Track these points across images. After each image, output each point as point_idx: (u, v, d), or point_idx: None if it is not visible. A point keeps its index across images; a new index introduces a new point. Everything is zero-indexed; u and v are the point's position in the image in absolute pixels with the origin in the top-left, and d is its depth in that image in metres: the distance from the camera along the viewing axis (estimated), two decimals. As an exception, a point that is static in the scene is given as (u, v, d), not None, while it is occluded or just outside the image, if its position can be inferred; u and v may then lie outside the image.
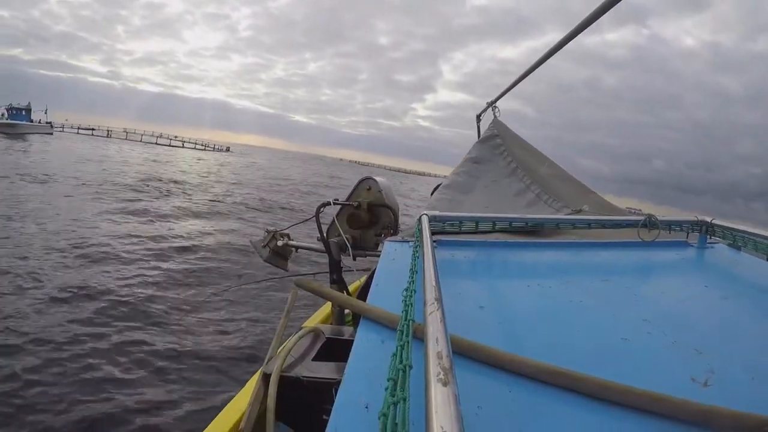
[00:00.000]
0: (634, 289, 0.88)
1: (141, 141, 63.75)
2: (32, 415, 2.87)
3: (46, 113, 53.21)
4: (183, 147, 68.24)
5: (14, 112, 45.31)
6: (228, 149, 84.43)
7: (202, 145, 75.80)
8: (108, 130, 67.91)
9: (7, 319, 4.02)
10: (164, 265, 6.22)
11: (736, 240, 1.11)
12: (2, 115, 44.58)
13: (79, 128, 65.08)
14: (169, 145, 66.21)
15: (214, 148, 77.44)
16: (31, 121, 47.36)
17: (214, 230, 9.15)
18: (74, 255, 6.06)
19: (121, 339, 3.96)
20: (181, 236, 8.16)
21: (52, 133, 47.21)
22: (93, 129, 66.85)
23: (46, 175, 13.50)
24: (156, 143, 65.22)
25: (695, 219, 1.20)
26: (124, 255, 6.31)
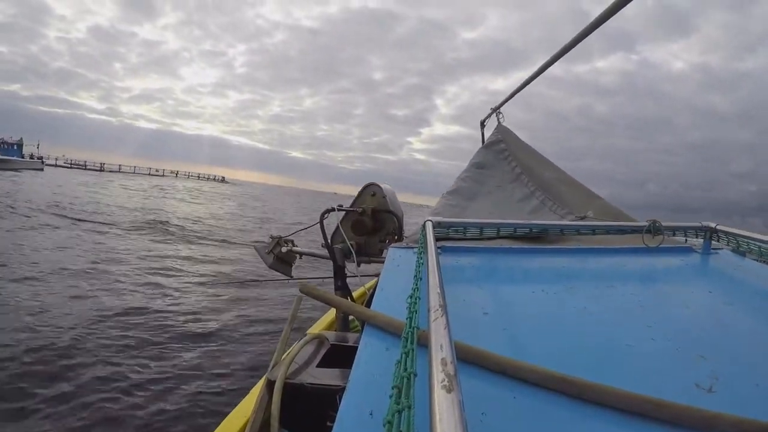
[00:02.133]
0: (639, 295, 0.87)
1: (134, 173, 63.84)
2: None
3: (38, 148, 53.19)
4: (177, 177, 68.40)
5: (5, 146, 45.13)
6: (223, 179, 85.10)
7: (196, 175, 76.34)
8: (101, 164, 68.24)
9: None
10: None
11: (741, 246, 1.10)
12: None
13: (71, 163, 65.12)
14: (162, 176, 66.28)
15: (208, 178, 77.95)
16: (23, 157, 47.15)
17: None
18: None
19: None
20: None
21: (42, 169, 46.86)
22: (85, 162, 66.83)
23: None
24: (150, 174, 65.33)
25: (699, 224, 1.19)
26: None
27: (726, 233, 1.13)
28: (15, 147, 45.88)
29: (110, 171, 62.75)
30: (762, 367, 0.60)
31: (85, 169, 62.72)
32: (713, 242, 1.17)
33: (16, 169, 39.91)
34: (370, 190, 1.73)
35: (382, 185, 1.74)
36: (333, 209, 1.68)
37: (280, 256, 1.84)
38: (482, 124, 2.34)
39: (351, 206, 1.72)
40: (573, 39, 1.21)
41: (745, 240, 1.08)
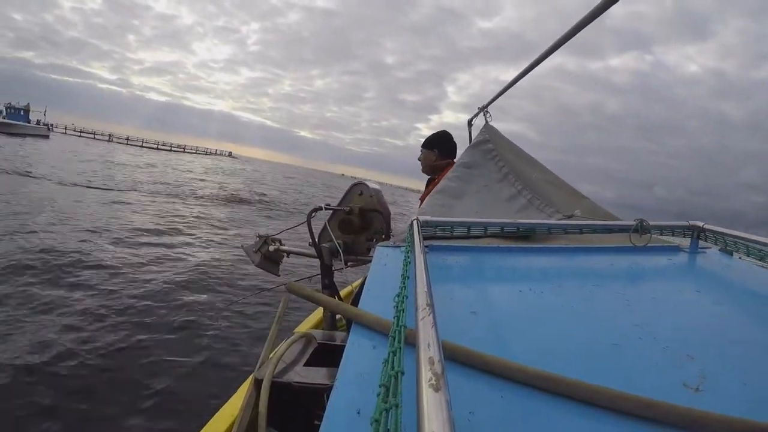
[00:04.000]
0: (626, 294, 0.86)
1: (141, 146, 64.19)
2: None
3: (45, 114, 53.23)
4: (184, 152, 68.80)
5: (12, 111, 45.26)
6: (230, 154, 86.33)
7: (203, 150, 77.04)
8: (110, 135, 68.68)
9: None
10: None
11: (728, 245, 1.11)
12: (0, 113, 44.60)
13: (81, 132, 65.63)
14: (170, 150, 66.59)
15: (216, 153, 79.05)
16: (29, 122, 47.25)
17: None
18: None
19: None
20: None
21: (48, 137, 46.93)
22: (94, 133, 67.15)
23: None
24: (157, 148, 65.62)
25: (687, 224, 1.19)
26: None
27: (713, 232, 1.14)
28: (21, 112, 46.02)
29: (118, 142, 62.91)
30: (750, 366, 0.60)
31: (94, 138, 63.13)
32: (701, 242, 1.17)
33: (21, 134, 39.89)
34: (358, 189, 1.72)
35: (369, 184, 1.73)
36: (320, 208, 1.66)
37: (268, 255, 1.82)
38: (469, 123, 2.32)
39: (338, 205, 1.70)
40: (561, 37, 1.19)
41: (733, 239, 1.08)
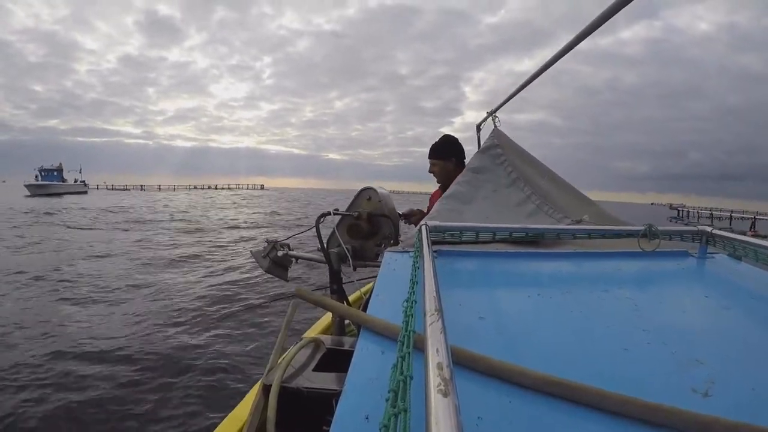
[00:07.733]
0: (635, 299, 0.86)
1: (174, 190, 63.82)
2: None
3: (80, 172, 53.01)
4: (216, 189, 68.01)
5: (45, 173, 44.54)
6: (262, 187, 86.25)
7: (235, 185, 76.87)
8: (141, 186, 69.64)
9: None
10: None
11: (737, 250, 1.09)
12: (35, 177, 43.89)
13: (113, 186, 66.16)
14: (203, 188, 65.67)
15: (247, 187, 78.89)
16: (64, 181, 46.31)
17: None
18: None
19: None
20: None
21: (86, 192, 45.94)
22: (126, 186, 67.57)
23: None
24: (188, 188, 64.73)
25: (696, 229, 1.18)
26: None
27: (722, 237, 1.12)
28: (55, 173, 45.26)
29: (150, 192, 62.91)
30: (758, 371, 0.59)
31: (126, 188, 63.58)
32: (709, 247, 1.15)
33: (59, 194, 38.23)
34: (366, 194, 1.71)
35: (378, 189, 1.72)
36: (329, 213, 1.66)
37: (276, 260, 1.82)
38: (478, 128, 2.33)
39: (347, 210, 1.70)
40: (573, 39, 1.17)
41: (742, 244, 1.07)
